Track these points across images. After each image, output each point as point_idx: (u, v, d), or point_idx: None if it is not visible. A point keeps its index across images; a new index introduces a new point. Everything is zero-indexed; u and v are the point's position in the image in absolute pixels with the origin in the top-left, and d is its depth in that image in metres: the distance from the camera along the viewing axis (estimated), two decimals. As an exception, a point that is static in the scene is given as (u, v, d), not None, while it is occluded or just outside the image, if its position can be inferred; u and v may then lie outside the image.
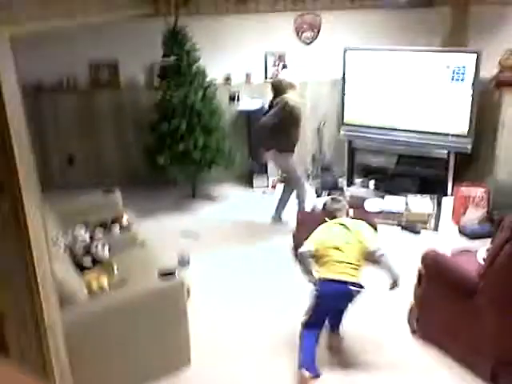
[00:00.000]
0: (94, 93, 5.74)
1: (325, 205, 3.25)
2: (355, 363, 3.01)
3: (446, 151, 5.15)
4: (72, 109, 5.76)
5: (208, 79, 5.29)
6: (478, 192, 4.65)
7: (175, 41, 5.05)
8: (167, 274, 2.85)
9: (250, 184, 5.77)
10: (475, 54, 4.85)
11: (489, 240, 3.52)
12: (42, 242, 2.12)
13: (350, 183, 5.73)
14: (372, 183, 5.57)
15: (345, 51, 5.44)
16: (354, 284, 2.82)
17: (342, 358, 3.05)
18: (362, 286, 2.85)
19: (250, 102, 5.72)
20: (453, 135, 5.08)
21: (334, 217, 3.12)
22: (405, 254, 3.92)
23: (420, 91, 5.21)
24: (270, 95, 5.74)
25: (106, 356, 2.69)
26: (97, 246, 3.19)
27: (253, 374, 2.94)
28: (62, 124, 5.78)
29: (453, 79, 5.01)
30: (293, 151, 4.68)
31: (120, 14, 3.77)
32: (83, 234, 3.37)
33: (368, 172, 5.67)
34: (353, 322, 3.23)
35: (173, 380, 2.88)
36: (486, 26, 5.22)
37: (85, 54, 5.57)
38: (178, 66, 5.08)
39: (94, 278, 2.92)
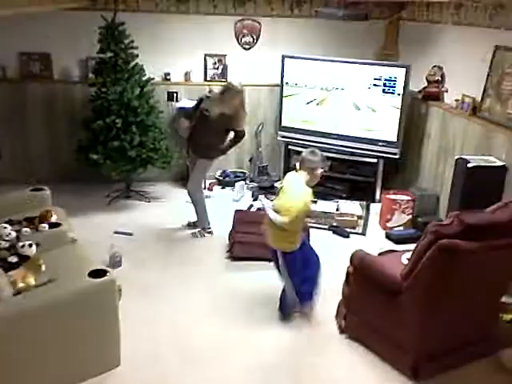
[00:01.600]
0: (25, 84, 5.50)
1: (302, 158, 3.32)
2: (282, 359, 3.08)
3: (375, 158, 5.40)
4: (1, 100, 5.47)
5: (146, 77, 5.22)
6: (403, 198, 4.90)
7: (112, 36, 4.94)
8: (99, 273, 2.79)
9: (185, 184, 5.73)
10: (404, 69, 5.13)
11: (413, 244, 3.73)
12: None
13: (285, 186, 5.85)
14: (306, 187, 5.72)
15: (283, 58, 5.57)
16: None
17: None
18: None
19: (188, 101, 5.69)
20: (382, 143, 5.34)
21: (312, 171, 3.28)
22: (334, 256, 4.07)
23: (353, 99, 5.44)
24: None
25: (31, 355, 2.58)
26: (23, 244, 3.05)
27: (183, 375, 2.94)
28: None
29: (384, 91, 5.27)
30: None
31: (56, 5, 3.64)
32: (9, 231, 3.22)
33: (302, 176, 5.82)
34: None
35: (102, 381, 2.82)
36: (416, 42, 5.54)
37: (15, 44, 5.33)
38: (115, 63, 4.98)
39: (20, 276, 2.79)
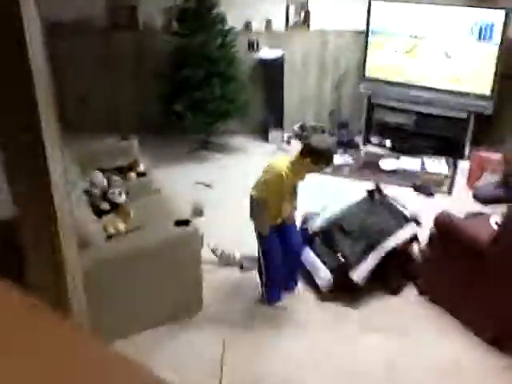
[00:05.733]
0: (112, 34, 5.62)
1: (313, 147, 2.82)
2: (363, 325, 3.08)
3: (466, 112, 5.06)
4: (89, 50, 5.66)
5: (227, 26, 5.15)
6: (495, 157, 4.59)
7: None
8: (182, 223, 2.90)
9: (265, 137, 5.73)
10: (504, 11, 4.67)
11: (503, 205, 3.52)
12: (61, 185, 2.15)
13: (367, 141, 5.67)
14: (388, 142, 5.52)
15: (369, 1, 5.25)
16: None
17: (350, 319, 3.13)
18: None
19: (269, 51, 5.59)
20: (475, 96, 4.98)
21: None
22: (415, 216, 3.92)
23: (445, 47, 5.06)
24: (291, 45, 5.60)
25: (120, 298, 2.76)
26: (114, 191, 3.22)
27: (262, 319, 3.04)
28: (78, 65, 5.70)
29: (480, 37, 4.85)
30: None
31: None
32: (101, 179, 3.40)
33: (385, 130, 5.60)
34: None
35: (185, 324, 2.97)
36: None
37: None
38: (197, 11, 4.94)
39: (111, 221, 2.97)
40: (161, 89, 5.24)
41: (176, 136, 5.56)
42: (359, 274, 3.13)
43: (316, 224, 3.47)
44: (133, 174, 3.62)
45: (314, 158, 2.78)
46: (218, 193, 4.58)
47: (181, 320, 2.98)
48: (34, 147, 1.95)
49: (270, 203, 2.86)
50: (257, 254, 3.13)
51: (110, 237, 2.88)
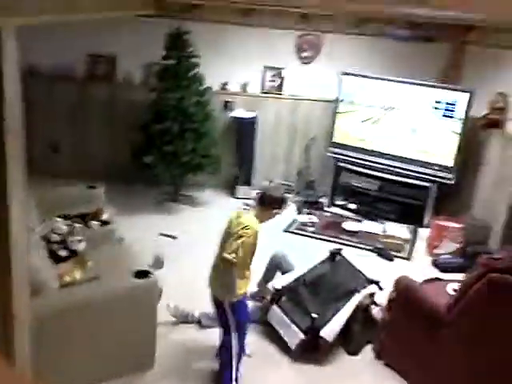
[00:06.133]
0: (89, 84, 5.74)
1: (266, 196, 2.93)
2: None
3: (429, 181, 5.26)
4: (65, 97, 5.74)
5: (205, 86, 5.32)
6: (454, 226, 4.74)
7: (177, 44, 5.08)
8: (142, 274, 2.86)
9: (232, 193, 5.80)
10: (468, 94, 4.97)
11: (460, 274, 3.60)
12: (22, 236, 2.12)
13: (332, 202, 5.80)
14: (353, 205, 5.65)
15: (341, 75, 5.53)
16: None
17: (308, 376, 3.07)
18: None
19: (243, 112, 5.77)
20: (437, 167, 5.20)
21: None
22: (377, 279, 3.96)
23: (410, 121, 5.32)
24: (264, 108, 5.81)
25: (70, 348, 2.67)
26: (73, 239, 3.18)
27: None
28: (52, 111, 5.75)
29: (444, 114, 5.13)
30: None
31: (126, 12, 3.79)
32: (61, 225, 3.36)
33: (351, 193, 5.75)
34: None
35: (134, 380, 2.87)
36: (481, 67, 5.35)
37: (84, 45, 5.57)
38: (177, 70, 5.10)
39: (68, 270, 2.91)
40: (133, 140, 5.29)
41: (145, 186, 5.59)
42: (330, 332, 3.15)
43: (281, 281, 3.47)
44: (95, 223, 3.59)
45: (271, 205, 2.91)
46: (180, 246, 4.55)
47: (132, 375, 2.88)
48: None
49: (245, 265, 2.82)
50: (221, 326, 2.91)
51: (65, 285, 2.81)
